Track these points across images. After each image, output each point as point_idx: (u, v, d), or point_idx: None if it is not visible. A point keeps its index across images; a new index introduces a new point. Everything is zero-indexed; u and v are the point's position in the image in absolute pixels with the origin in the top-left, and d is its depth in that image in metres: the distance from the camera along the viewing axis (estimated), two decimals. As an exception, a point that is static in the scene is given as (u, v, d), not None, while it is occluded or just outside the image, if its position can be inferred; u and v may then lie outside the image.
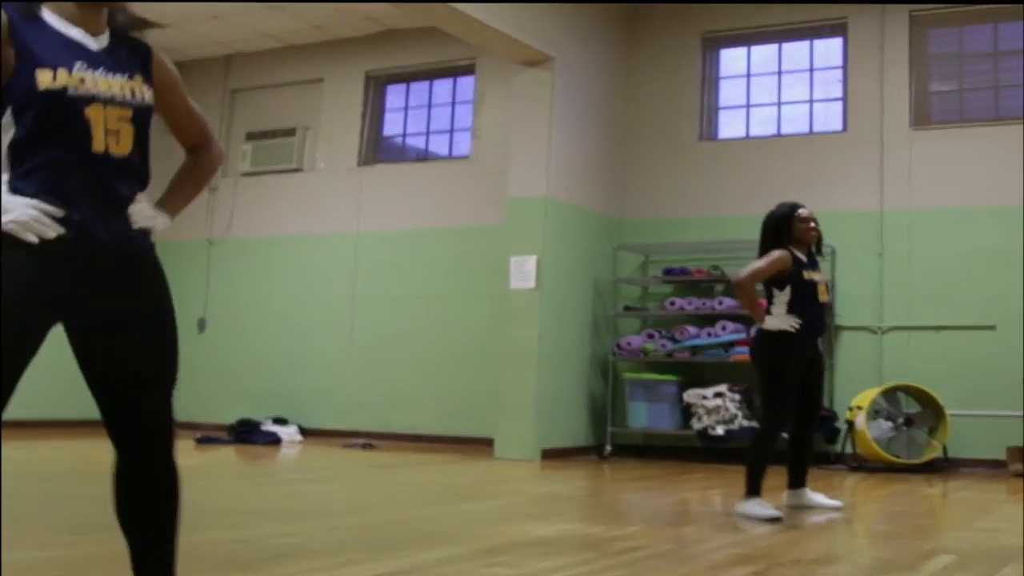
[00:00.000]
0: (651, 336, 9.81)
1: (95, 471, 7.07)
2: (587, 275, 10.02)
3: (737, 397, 9.21)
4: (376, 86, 12.01)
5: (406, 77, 11.88)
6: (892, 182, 9.51)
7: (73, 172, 2.19)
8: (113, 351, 2.30)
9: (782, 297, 5.61)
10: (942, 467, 8.67)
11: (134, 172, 2.31)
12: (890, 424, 8.66)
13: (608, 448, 9.68)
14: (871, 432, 8.53)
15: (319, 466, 8.52)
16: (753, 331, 6.54)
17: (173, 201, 2.49)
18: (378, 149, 11.98)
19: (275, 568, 3.70)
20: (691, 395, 9.38)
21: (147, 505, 2.42)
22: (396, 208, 11.40)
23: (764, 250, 5.72)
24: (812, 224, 5.75)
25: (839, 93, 10.09)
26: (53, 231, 2.15)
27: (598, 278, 10.13)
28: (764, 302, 5.77)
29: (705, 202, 10.23)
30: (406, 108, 11.95)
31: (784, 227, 5.72)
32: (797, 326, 5.53)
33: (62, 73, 2.18)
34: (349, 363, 11.32)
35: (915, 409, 8.78)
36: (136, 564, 2.43)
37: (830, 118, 10.12)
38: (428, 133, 11.82)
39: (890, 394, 8.75)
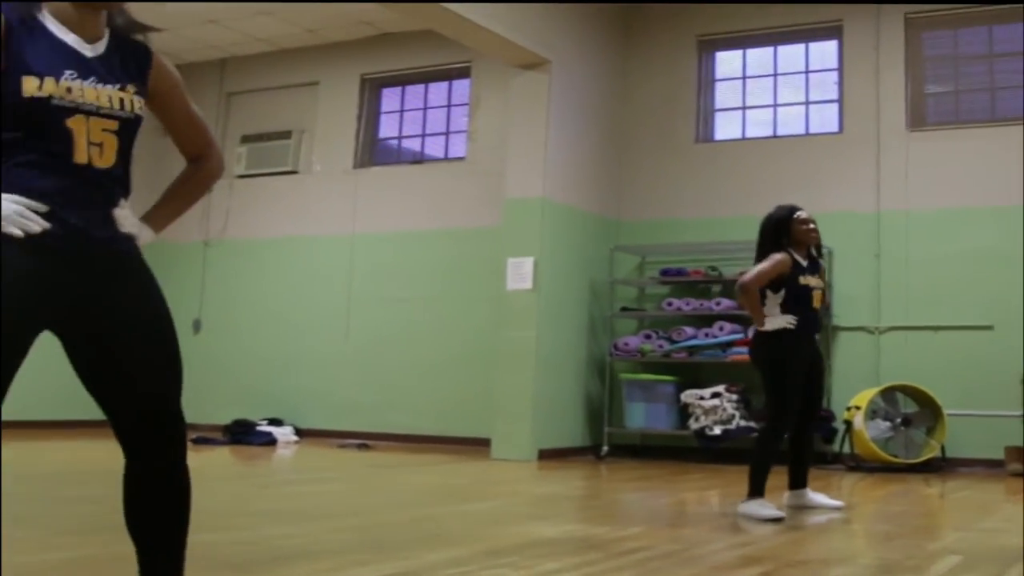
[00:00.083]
0: (648, 337, 9.82)
1: (95, 472, 7.08)
2: (584, 276, 10.02)
3: (735, 397, 9.22)
4: (371, 89, 12.02)
5: (401, 80, 11.89)
6: (889, 183, 9.53)
7: (55, 179, 2.17)
8: (117, 355, 2.27)
9: (775, 299, 5.61)
10: (940, 467, 8.69)
11: (117, 183, 2.28)
12: (888, 424, 8.67)
13: (605, 448, 9.68)
14: (869, 432, 8.54)
15: (316, 467, 8.50)
16: (751, 332, 6.55)
17: (160, 216, 2.45)
18: (374, 151, 11.99)
19: (280, 570, 3.69)
20: (688, 395, 9.38)
21: (159, 510, 2.39)
22: (392, 210, 11.40)
23: (763, 253, 5.71)
24: (812, 226, 5.75)
25: (835, 95, 10.10)
26: (37, 225, 2.12)
27: (595, 279, 10.13)
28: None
29: (701, 203, 10.24)
30: (401, 111, 11.95)
31: (783, 229, 5.72)
32: (795, 323, 5.53)
33: (49, 82, 2.16)
34: (345, 364, 11.33)
35: (913, 409, 8.80)
36: (144, 569, 2.40)
37: (826, 120, 10.14)
38: (424, 136, 11.82)
39: (888, 394, 8.76)
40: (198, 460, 8.31)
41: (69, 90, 2.18)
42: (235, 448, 10.06)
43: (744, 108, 10.52)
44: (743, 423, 9.10)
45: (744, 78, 10.57)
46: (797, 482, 5.85)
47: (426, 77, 11.74)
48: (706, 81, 10.67)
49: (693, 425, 9.30)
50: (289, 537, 4.46)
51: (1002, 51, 9.55)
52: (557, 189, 9.67)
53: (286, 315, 11.78)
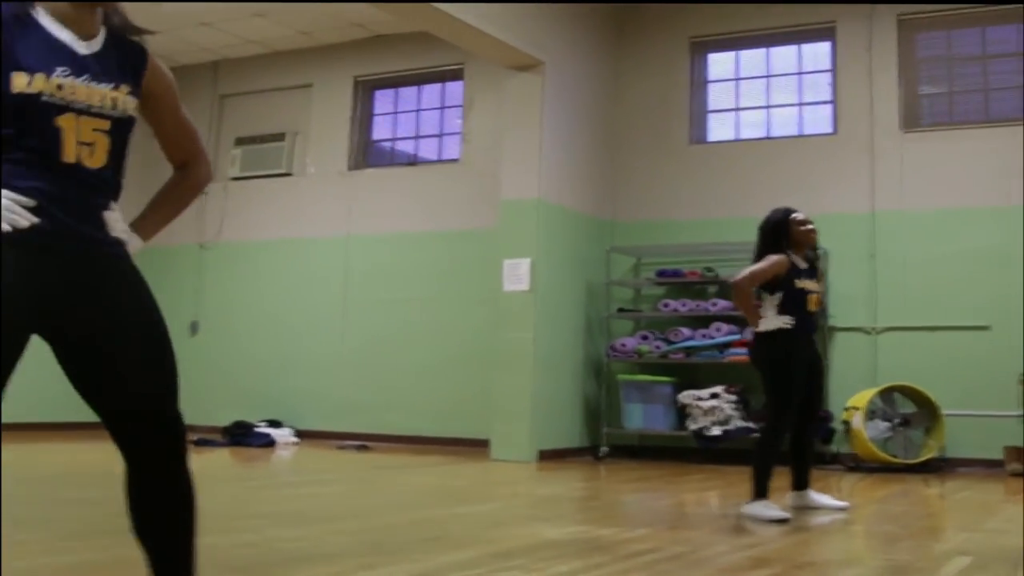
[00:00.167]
0: (645, 338, 9.82)
1: (95, 474, 7.05)
2: (580, 277, 10.02)
3: (733, 398, 9.22)
4: (364, 91, 12.01)
5: (394, 82, 11.88)
6: (883, 184, 9.55)
7: (42, 178, 2.12)
8: (111, 357, 2.22)
9: (772, 300, 5.61)
10: (939, 467, 8.70)
11: (106, 185, 2.23)
12: (887, 424, 8.69)
13: (604, 449, 9.67)
14: (868, 432, 8.55)
15: (316, 468, 8.49)
16: (748, 333, 6.55)
17: (148, 224, 2.41)
18: (367, 153, 11.98)
19: (287, 574, 3.68)
20: (686, 396, 9.39)
21: (165, 515, 2.35)
22: (387, 212, 11.40)
23: (761, 256, 5.71)
24: (810, 226, 5.76)
25: (828, 96, 10.12)
26: (26, 220, 2.07)
27: (591, 280, 10.13)
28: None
29: (696, 204, 10.25)
30: (395, 113, 11.95)
31: (782, 231, 5.71)
32: (791, 323, 5.53)
33: (39, 78, 2.12)
34: (342, 365, 11.32)
35: (911, 409, 8.81)
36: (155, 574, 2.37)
37: (820, 121, 10.15)
38: (417, 137, 11.81)
39: (886, 394, 8.77)
40: (198, 462, 8.27)
41: (60, 87, 2.14)
42: (234, 450, 10.04)
43: (737, 109, 10.53)
44: (741, 424, 9.11)
45: (737, 79, 10.58)
46: (800, 483, 5.85)
47: (419, 79, 11.73)
48: (699, 82, 10.68)
49: (691, 426, 9.30)
50: (292, 540, 4.44)
51: (995, 52, 9.58)
52: (552, 190, 9.67)
53: (283, 317, 11.77)
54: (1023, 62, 9.34)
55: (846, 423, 8.76)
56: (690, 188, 10.31)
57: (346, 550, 4.22)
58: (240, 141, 12.36)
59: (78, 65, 2.19)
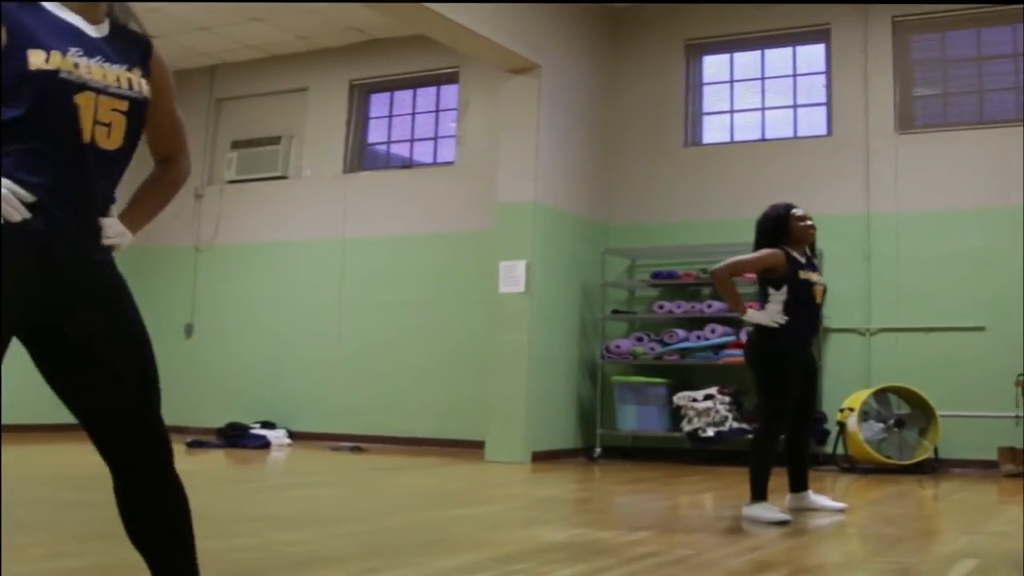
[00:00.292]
0: (640, 339, 9.83)
1: (95, 476, 6.95)
2: (575, 279, 10.04)
3: (727, 399, 9.24)
4: (360, 95, 12.02)
5: (389, 86, 11.89)
6: (878, 185, 9.57)
7: (55, 163, 2.09)
8: (92, 362, 2.20)
9: (778, 296, 5.58)
10: (933, 468, 8.72)
11: (118, 168, 2.22)
12: (881, 425, 8.71)
13: (598, 450, 9.69)
14: (863, 433, 8.57)
15: (311, 470, 8.48)
16: (744, 334, 6.55)
17: (135, 218, 2.37)
18: (363, 156, 11.99)
19: (294, 577, 3.68)
20: (681, 397, 9.40)
21: (157, 521, 2.33)
22: (382, 215, 11.40)
23: (758, 249, 5.71)
24: (809, 222, 5.74)
25: (823, 98, 10.14)
26: (19, 215, 2.04)
27: (586, 282, 10.14)
28: (756, 304, 5.77)
29: (691, 206, 10.26)
30: (391, 116, 11.95)
31: (782, 227, 5.70)
32: (781, 323, 5.51)
33: (55, 55, 2.09)
34: (337, 368, 11.32)
35: (906, 410, 8.83)
36: None
37: (814, 123, 10.17)
38: (412, 140, 11.82)
39: (881, 395, 8.79)
40: (193, 464, 8.35)
41: (76, 65, 2.12)
42: (229, 451, 10.03)
43: (732, 112, 10.55)
44: (736, 425, 9.13)
45: (732, 81, 10.60)
46: (798, 485, 5.85)
47: (415, 82, 11.74)
48: (694, 85, 10.70)
49: (686, 427, 9.32)
50: (292, 543, 4.42)
51: (990, 54, 9.61)
52: (548, 193, 9.68)
53: (278, 319, 11.77)
54: (1017, 63, 9.38)
55: (841, 424, 8.77)
56: (685, 190, 10.33)
57: (347, 553, 4.22)
58: (236, 144, 12.37)
59: (91, 46, 2.18)
